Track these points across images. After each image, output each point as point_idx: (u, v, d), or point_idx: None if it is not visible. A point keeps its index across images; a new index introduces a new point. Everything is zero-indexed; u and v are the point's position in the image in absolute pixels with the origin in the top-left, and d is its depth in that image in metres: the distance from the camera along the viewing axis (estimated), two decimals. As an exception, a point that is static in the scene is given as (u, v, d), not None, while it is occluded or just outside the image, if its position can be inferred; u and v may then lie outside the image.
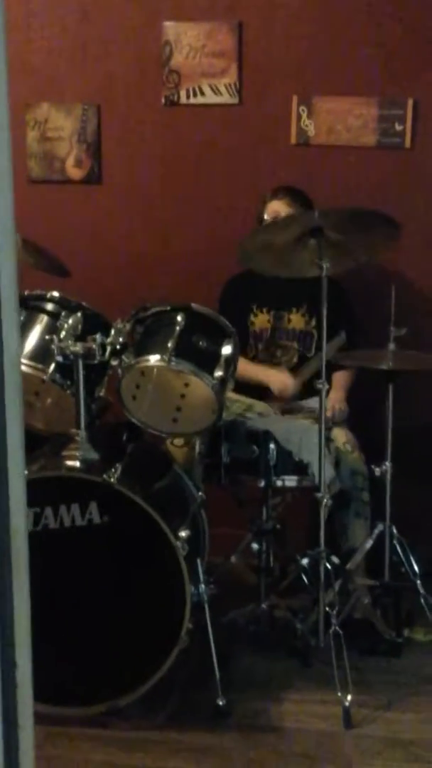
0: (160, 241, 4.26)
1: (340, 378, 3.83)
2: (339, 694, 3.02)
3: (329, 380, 3.70)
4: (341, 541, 3.55)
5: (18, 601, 1.86)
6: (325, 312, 3.20)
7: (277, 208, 3.79)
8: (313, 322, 3.83)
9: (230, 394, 3.69)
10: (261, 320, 3.91)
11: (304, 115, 4.12)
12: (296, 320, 3.86)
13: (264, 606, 3.39)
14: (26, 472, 2.89)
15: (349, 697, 3.01)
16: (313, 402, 3.51)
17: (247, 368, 3.70)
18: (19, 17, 4.16)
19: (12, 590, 1.84)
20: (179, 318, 3.13)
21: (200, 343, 3.13)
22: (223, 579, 3.55)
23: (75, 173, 4.33)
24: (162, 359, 3.03)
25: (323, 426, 3.22)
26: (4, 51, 1.61)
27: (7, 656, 1.84)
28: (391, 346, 3.34)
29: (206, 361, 3.10)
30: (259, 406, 3.78)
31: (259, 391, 3.81)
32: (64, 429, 3.18)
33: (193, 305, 3.19)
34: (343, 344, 3.51)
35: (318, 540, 3.26)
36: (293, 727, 3.01)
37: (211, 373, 3.07)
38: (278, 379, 3.77)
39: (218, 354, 3.14)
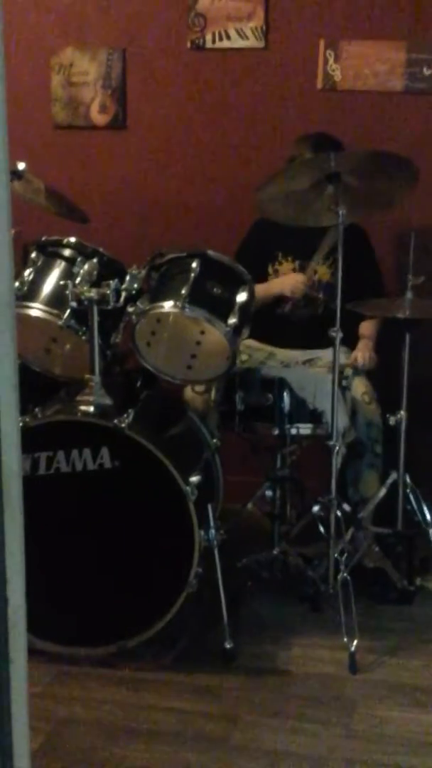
0: (183, 188, 4.25)
1: (367, 327, 3.80)
2: (345, 639, 3.05)
3: (351, 330, 3.68)
4: (351, 491, 3.56)
5: (10, 538, 1.89)
6: (340, 260, 3.16)
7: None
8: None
9: (251, 342, 3.71)
10: (286, 268, 3.86)
11: (331, 60, 4.07)
12: (322, 271, 3.82)
13: (276, 552, 3.41)
14: (22, 417, 2.94)
15: (355, 642, 3.04)
16: (329, 352, 3.49)
17: (258, 292, 3.63)
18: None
19: (4, 530, 1.87)
20: (194, 265, 3.13)
21: (215, 289, 3.13)
22: (239, 525, 3.59)
23: (100, 119, 4.32)
24: (176, 305, 3.04)
25: (336, 374, 3.22)
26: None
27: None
28: (409, 294, 3.32)
29: (221, 308, 3.10)
30: (281, 354, 3.78)
31: (281, 338, 3.81)
32: (81, 375, 3.20)
33: (209, 252, 3.18)
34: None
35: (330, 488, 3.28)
36: (299, 671, 3.04)
37: (225, 320, 3.07)
38: (287, 282, 3.76)
39: (233, 301, 3.14)
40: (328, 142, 3.69)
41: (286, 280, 3.78)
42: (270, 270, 3.86)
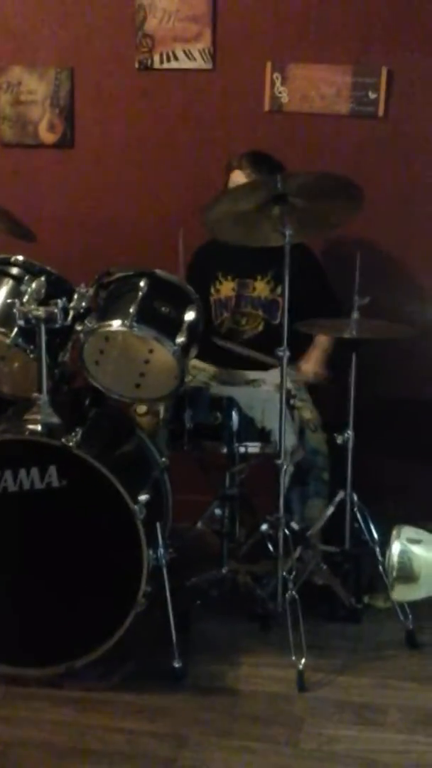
0: (130, 207, 4.26)
1: (322, 341, 3.84)
2: (294, 657, 3.06)
3: (297, 349, 3.70)
4: (297, 518, 3.56)
5: None
6: (286, 280, 3.19)
7: (237, 178, 3.74)
8: (279, 290, 3.80)
9: (196, 362, 3.71)
10: (226, 288, 3.91)
11: (278, 82, 4.11)
12: (261, 288, 3.86)
13: (224, 571, 3.41)
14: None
15: (303, 661, 3.05)
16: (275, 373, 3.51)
17: None
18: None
19: None
20: (142, 284, 3.14)
21: (163, 308, 3.14)
22: (189, 544, 3.58)
23: (48, 137, 4.32)
24: (124, 324, 3.04)
25: (284, 393, 3.24)
26: None
27: None
28: (355, 314, 3.35)
29: (169, 327, 3.11)
30: (225, 374, 3.79)
31: (227, 359, 3.82)
32: (29, 393, 3.18)
33: (157, 271, 3.19)
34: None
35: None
36: (247, 690, 3.04)
37: (173, 339, 3.08)
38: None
39: (181, 320, 3.15)
40: (267, 161, 3.73)
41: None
42: (212, 290, 3.89)
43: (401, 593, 2.83)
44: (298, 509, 3.64)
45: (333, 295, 3.83)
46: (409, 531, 2.91)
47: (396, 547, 2.78)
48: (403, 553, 2.77)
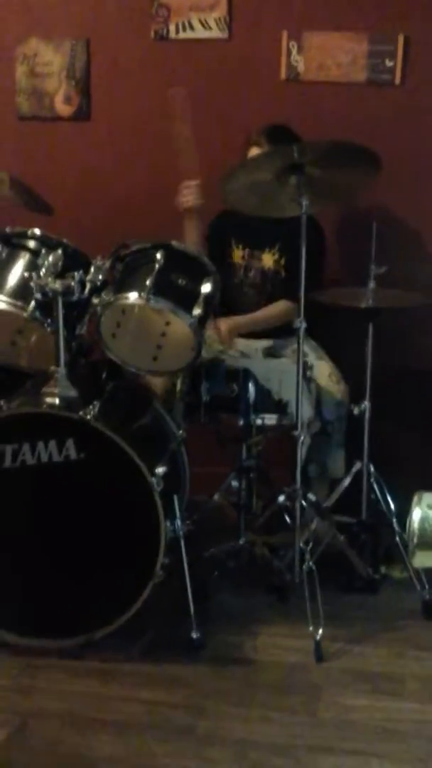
0: (147, 179, 4.24)
1: (269, 307, 3.84)
2: (311, 628, 3.07)
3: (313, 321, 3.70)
4: (313, 468, 3.58)
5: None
6: (303, 250, 3.18)
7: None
8: (283, 261, 3.83)
9: (211, 333, 3.71)
10: (236, 256, 3.93)
11: (294, 51, 4.07)
12: (266, 259, 3.86)
13: (242, 542, 3.42)
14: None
15: (320, 631, 3.07)
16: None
17: None
18: None
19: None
20: (159, 255, 3.14)
21: (179, 280, 3.14)
22: (207, 516, 3.59)
23: (64, 110, 4.30)
24: (141, 296, 3.05)
25: (300, 364, 3.24)
26: None
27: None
28: (372, 284, 3.34)
29: (185, 299, 3.11)
30: (241, 344, 3.79)
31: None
32: (47, 367, 3.19)
33: (173, 243, 3.19)
34: None
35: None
36: (265, 660, 3.06)
37: (190, 311, 3.08)
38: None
39: (198, 292, 3.14)
40: (286, 134, 3.70)
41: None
42: (226, 258, 3.89)
43: (421, 560, 2.84)
44: (318, 461, 3.66)
45: (315, 273, 3.79)
46: (430, 497, 2.92)
47: (417, 514, 2.79)
48: (424, 519, 2.78)
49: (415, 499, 2.89)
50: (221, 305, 3.59)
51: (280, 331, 3.73)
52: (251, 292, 3.91)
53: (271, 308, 3.82)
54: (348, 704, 2.83)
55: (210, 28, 4.13)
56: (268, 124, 3.81)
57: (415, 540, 2.76)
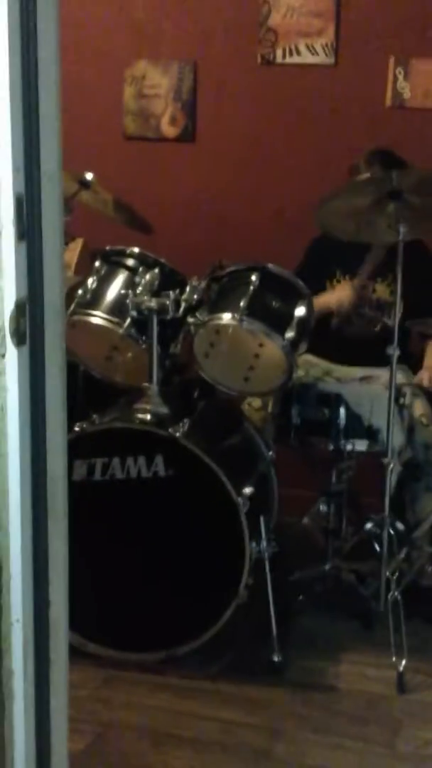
0: (248, 202, 4.28)
1: None
2: (394, 658, 3.03)
3: (407, 347, 3.68)
4: (409, 513, 3.53)
5: (53, 541, 1.92)
6: (399, 277, 3.16)
7: None
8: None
9: (309, 357, 3.70)
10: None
11: (401, 77, 4.07)
12: (380, 290, 3.81)
13: (328, 567, 3.40)
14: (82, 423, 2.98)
15: (403, 662, 3.02)
16: (386, 372, 3.47)
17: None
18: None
19: (47, 533, 1.90)
20: (254, 278, 3.15)
21: (273, 303, 3.16)
22: (294, 539, 3.59)
23: (169, 131, 4.37)
24: (234, 317, 3.06)
25: (393, 391, 3.21)
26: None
27: (42, 595, 1.92)
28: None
29: (279, 322, 3.12)
30: (339, 371, 3.76)
31: (339, 354, 3.80)
32: (141, 383, 3.24)
33: (269, 265, 3.20)
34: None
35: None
36: (346, 688, 3.03)
37: (283, 333, 3.08)
38: (335, 295, 3.73)
39: (291, 315, 3.15)
40: (392, 160, 3.68)
41: (335, 293, 3.76)
42: (328, 286, 3.85)
43: None
44: (409, 504, 3.60)
45: None
46: None
47: None
48: None
49: None
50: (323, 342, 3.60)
51: (377, 359, 3.68)
52: (361, 324, 3.83)
53: None
54: (428, 738, 2.78)
55: (317, 53, 4.15)
56: (372, 149, 3.79)
57: None
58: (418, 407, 3.59)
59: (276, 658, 3.08)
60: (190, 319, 3.17)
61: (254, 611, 3.13)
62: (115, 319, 3.20)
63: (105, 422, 3.12)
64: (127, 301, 3.14)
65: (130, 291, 3.16)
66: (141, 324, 3.17)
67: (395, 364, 3.20)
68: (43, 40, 1.71)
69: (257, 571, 3.10)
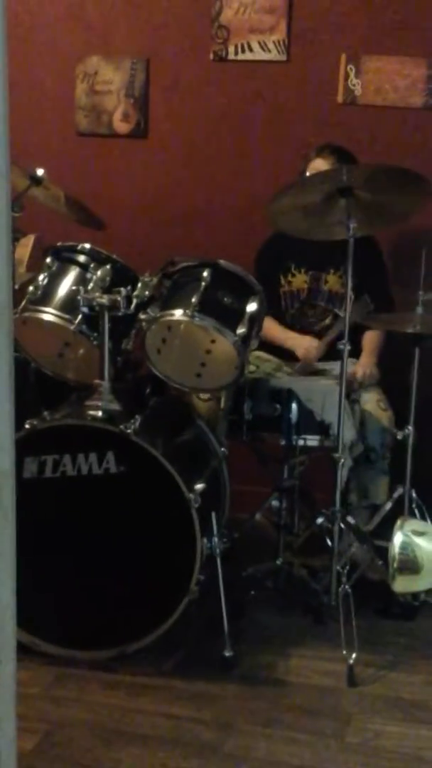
0: (201, 198, 4.29)
1: (370, 340, 3.81)
2: (344, 652, 3.05)
3: (359, 342, 3.72)
4: (355, 497, 3.56)
5: (2, 538, 1.91)
6: (349, 272, 3.18)
7: (319, 166, 3.71)
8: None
9: (261, 354, 3.72)
10: (298, 280, 3.90)
11: (352, 74, 4.09)
12: (333, 281, 3.84)
13: (279, 562, 3.42)
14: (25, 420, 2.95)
15: (354, 656, 3.04)
16: (338, 365, 3.50)
17: (273, 332, 3.75)
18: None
19: (-6, 530, 1.88)
20: (206, 274, 3.16)
21: (225, 299, 3.16)
22: (247, 535, 3.60)
23: (122, 127, 4.36)
24: (186, 313, 3.06)
25: (344, 386, 3.23)
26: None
27: (-12, 593, 1.89)
28: (419, 309, 3.32)
29: (230, 318, 3.12)
30: (289, 367, 3.79)
31: (289, 352, 3.82)
32: (93, 380, 3.23)
33: (221, 261, 3.21)
34: (367, 307, 3.48)
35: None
36: (296, 682, 3.05)
37: (235, 329, 3.09)
38: (302, 343, 3.77)
39: (243, 311, 3.16)
40: (342, 155, 3.71)
41: (299, 342, 3.79)
42: (283, 281, 3.88)
43: (403, 584, 2.83)
44: (362, 488, 3.64)
45: (388, 293, 3.80)
46: (414, 523, 2.92)
47: (398, 539, 2.79)
48: (405, 544, 2.78)
49: (398, 523, 2.89)
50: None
51: (328, 353, 3.71)
52: (311, 315, 3.89)
53: (373, 341, 3.81)
54: (378, 730, 2.79)
55: (269, 50, 4.16)
56: (324, 143, 3.81)
57: (395, 565, 2.76)
58: (373, 395, 3.62)
59: (227, 654, 3.08)
60: (142, 316, 3.17)
61: (206, 607, 3.13)
62: (67, 316, 3.19)
63: (56, 419, 3.11)
64: (79, 297, 3.13)
65: (81, 287, 3.15)
66: (92, 320, 3.16)
67: (346, 358, 3.21)
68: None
69: (209, 567, 3.11)
